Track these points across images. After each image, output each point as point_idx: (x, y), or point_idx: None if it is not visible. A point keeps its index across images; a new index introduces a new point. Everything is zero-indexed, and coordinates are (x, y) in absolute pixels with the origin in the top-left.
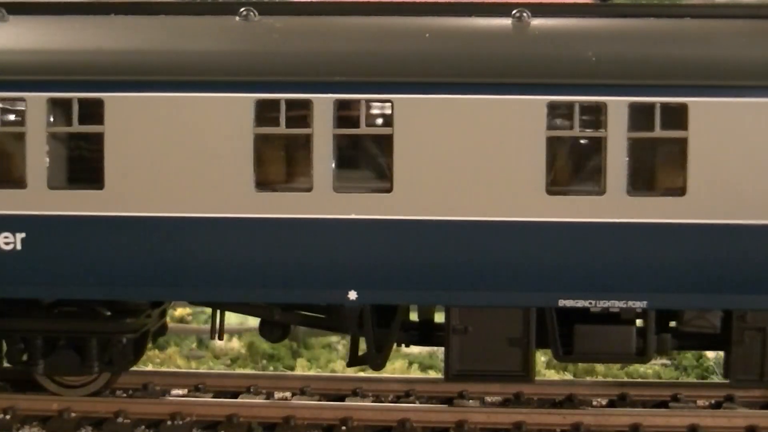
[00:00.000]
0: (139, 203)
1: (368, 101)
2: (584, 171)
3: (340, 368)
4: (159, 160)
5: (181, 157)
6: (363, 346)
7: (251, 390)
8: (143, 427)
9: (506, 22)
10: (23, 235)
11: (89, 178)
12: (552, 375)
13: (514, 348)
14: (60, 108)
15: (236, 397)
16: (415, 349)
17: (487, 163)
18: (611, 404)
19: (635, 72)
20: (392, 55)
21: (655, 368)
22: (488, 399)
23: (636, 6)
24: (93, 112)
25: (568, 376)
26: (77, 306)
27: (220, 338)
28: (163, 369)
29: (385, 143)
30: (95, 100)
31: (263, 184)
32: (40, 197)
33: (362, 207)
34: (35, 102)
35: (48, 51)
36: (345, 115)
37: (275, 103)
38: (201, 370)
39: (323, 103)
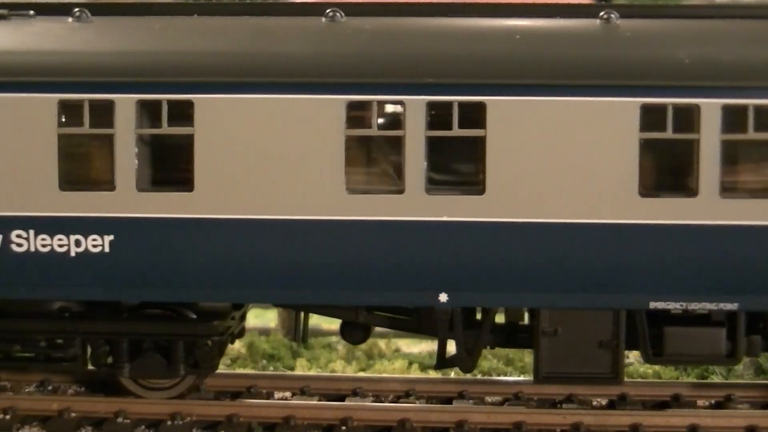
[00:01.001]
0: (228, 205)
1: (460, 103)
2: (677, 173)
3: (340, 368)
4: (249, 162)
5: (271, 159)
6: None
7: (251, 390)
8: (143, 427)
9: (594, 23)
10: (111, 237)
11: (178, 180)
12: None
13: (603, 350)
14: (149, 110)
15: (236, 397)
16: (415, 349)
17: (578, 166)
18: (611, 404)
19: (728, 74)
20: (484, 57)
21: (655, 368)
22: (488, 399)
23: (728, 7)
24: (183, 113)
25: None
26: (161, 308)
27: (304, 341)
28: None
29: (477, 145)
30: (185, 101)
31: (355, 186)
32: (129, 199)
33: (454, 209)
34: (124, 104)
35: (137, 53)
36: (437, 116)
37: (366, 104)
38: None
39: (415, 105)
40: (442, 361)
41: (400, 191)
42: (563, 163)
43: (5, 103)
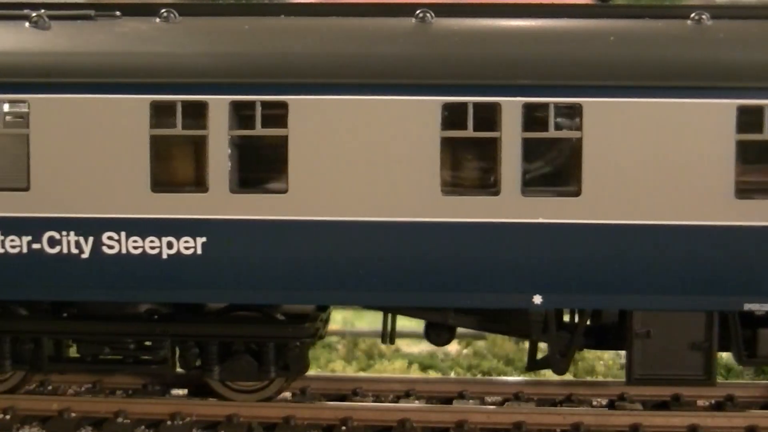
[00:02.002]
0: (322, 207)
1: (556, 105)
2: None
3: (340, 368)
4: (343, 164)
5: (365, 161)
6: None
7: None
8: (143, 427)
9: (685, 24)
10: (204, 239)
11: (272, 181)
12: (552, 375)
13: (696, 352)
14: (242, 111)
15: None
16: (415, 349)
17: (674, 167)
18: (611, 404)
19: None
20: (580, 59)
21: None
22: (488, 399)
23: None
24: (276, 115)
25: (568, 376)
26: (249, 310)
27: (392, 342)
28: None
29: (573, 147)
30: (279, 102)
31: (450, 187)
32: (222, 201)
33: (550, 211)
34: (217, 105)
35: (230, 54)
36: (532, 118)
37: (462, 106)
38: None
39: (511, 107)
40: (533, 363)
41: (496, 193)
42: (659, 165)
43: (97, 104)
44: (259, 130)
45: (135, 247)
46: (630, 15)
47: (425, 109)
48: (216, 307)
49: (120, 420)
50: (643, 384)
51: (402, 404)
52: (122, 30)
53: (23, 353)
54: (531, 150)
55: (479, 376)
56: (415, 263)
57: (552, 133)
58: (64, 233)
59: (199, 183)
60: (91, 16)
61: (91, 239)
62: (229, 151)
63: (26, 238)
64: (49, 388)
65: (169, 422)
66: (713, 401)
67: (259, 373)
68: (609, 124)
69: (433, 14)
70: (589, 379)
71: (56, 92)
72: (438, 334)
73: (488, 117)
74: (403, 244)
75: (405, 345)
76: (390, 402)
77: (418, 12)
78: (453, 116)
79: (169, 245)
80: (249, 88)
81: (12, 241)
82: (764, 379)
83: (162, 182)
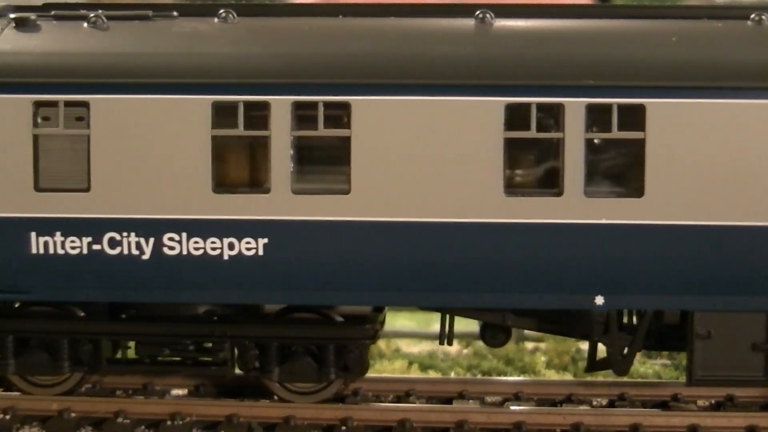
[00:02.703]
0: (384, 208)
1: (619, 106)
2: None
3: None
4: (406, 164)
5: (428, 162)
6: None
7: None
8: (143, 427)
9: (745, 24)
10: (265, 240)
11: (334, 182)
12: (552, 375)
13: (756, 353)
14: (304, 111)
15: (236, 398)
16: (415, 349)
17: (735, 168)
18: (611, 404)
19: None
20: (643, 60)
21: (655, 368)
22: (488, 399)
23: None
24: (338, 115)
25: (568, 376)
26: (305, 311)
27: (449, 343)
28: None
29: (636, 148)
30: (341, 103)
31: (512, 188)
32: (284, 202)
33: (612, 212)
34: (280, 105)
35: (292, 54)
36: (596, 119)
37: (525, 107)
38: None
39: (575, 108)
40: (593, 364)
41: (559, 194)
42: (722, 166)
43: (158, 104)
44: (321, 131)
45: (196, 248)
46: (689, 15)
47: (489, 110)
48: (271, 308)
49: (120, 420)
50: (703, 385)
51: (402, 404)
52: (182, 30)
53: (82, 355)
54: (594, 151)
55: (479, 376)
56: (476, 264)
57: (615, 134)
58: (124, 234)
59: (261, 184)
60: (148, 17)
61: (151, 240)
62: (291, 151)
63: (86, 239)
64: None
65: (169, 422)
66: (713, 401)
67: (319, 375)
68: (672, 125)
69: (492, 15)
70: (589, 379)
71: (117, 93)
72: (494, 335)
73: (551, 118)
74: (465, 245)
75: (405, 345)
76: (390, 402)
77: (477, 13)
78: (516, 117)
79: (231, 246)
80: (312, 89)
81: (72, 242)
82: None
83: (224, 183)
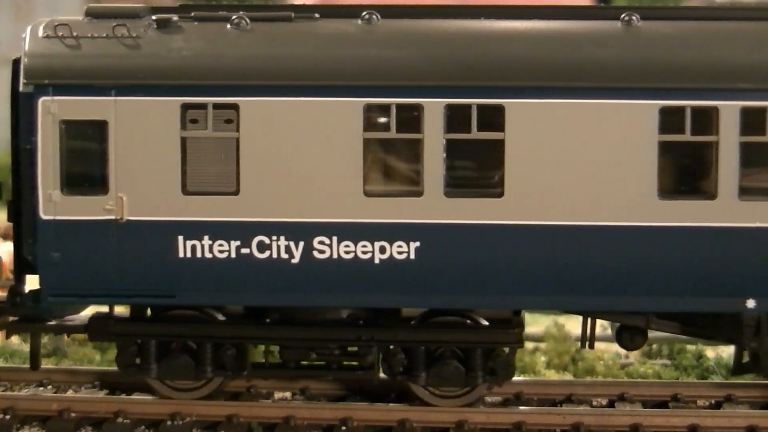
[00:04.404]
0: (537, 211)
1: None
2: None
3: None
4: (559, 167)
5: (582, 165)
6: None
7: (251, 390)
8: (143, 427)
9: None
10: (417, 243)
11: (486, 185)
12: (552, 375)
13: None
14: (457, 114)
15: (236, 397)
16: None
17: None
18: (611, 404)
19: None
20: None
21: (655, 368)
22: (488, 399)
23: None
24: (493, 118)
25: (568, 376)
26: (447, 315)
27: (591, 347)
28: None
29: None
30: (495, 106)
31: (666, 191)
32: (437, 205)
33: (766, 215)
34: (432, 108)
35: (445, 56)
36: (750, 122)
37: (679, 109)
38: None
39: (729, 111)
40: (739, 367)
41: (712, 197)
42: None
43: (308, 107)
44: (474, 134)
45: (347, 252)
46: None
47: (642, 113)
48: (408, 311)
49: (120, 420)
50: None
51: (402, 404)
52: (327, 32)
53: (225, 359)
54: (748, 154)
55: None
56: (626, 267)
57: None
58: (273, 238)
59: (413, 187)
60: (290, 18)
61: (301, 244)
62: (444, 154)
63: (235, 243)
64: (49, 387)
65: (169, 422)
66: (713, 401)
67: (466, 379)
68: None
69: (638, 17)
70: (589, 379)
71: (267, 95)
72: (632, 337)
73: (704, 121)
74: (617, 248)
75: None
76: (390, 402)
77: (623, 15)
78: (670, 121)
79: (382, 250)
80: (465, 92)
81: (220, 245)
82: (764, 379)
83: (375, 186)
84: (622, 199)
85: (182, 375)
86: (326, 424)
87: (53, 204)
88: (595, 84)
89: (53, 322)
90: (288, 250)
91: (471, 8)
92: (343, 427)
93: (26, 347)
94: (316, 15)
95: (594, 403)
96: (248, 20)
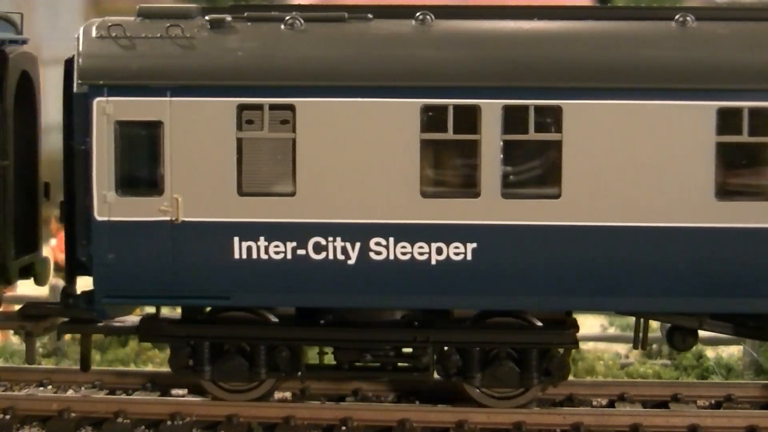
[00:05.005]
0: (595, 212)
1: None
2: None
3: None
4: (616, 168)
5: (639, 166)
6: None
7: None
8: (143, 427)
9: None
10: (474, 245)
11: (543, 186)
12: None
13: None
14: (514, 115)
15: None
16: None
17: None
18: (611, 404)
19: None
20: None
21: (655, 368)
22: None
23: None
24: (550, 119)
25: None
26: (506, 316)
27: (644, 348)
28: (164, 369)
29: None
30: (552, 107)
31: (725, 192)
32: (494, 206)
33: None
34: (490, 109)
35: (503, 58)
36: None
37: (737, 111)
38: None
39: None
40: None
41: None
42: None
43: (364, 107)
44: (532, 135)
45: (403, 253)
46: None
47: (699, 115)
48: (461, 312)
49: (120, 420)
50: None
51: (402, 404)
52: (381, 33)
53: (279, 361)
54: None
55: None
56: (683, 268)
57: None
58: (330, 239)
59: (470, 188)
60: (344, 18)
61: (358, 245)
62: (502, 155)
63: (291, 244)
64: (49, 387)
65: (169, 422)
66: (713, 401)
67: (521, 380)
68: None
69: (693, 18)
70: (589, 379)
71: (323, 96)
72: (683, 338)
73: (762, 122)
74: (674, 249)
75: None
76: (390, 402)
77: (677, 16)
78: (727, 121)
79: (439, 251)
80: (523, 93)
81: (276, 247)
82: (764, 379)
83: (432, 187)
84: (679, 200)
85: (236, 377)
86: (326, 424)
87: (108, 205)
88: (653, 85)
89: (102, 324)
90: (344, 251)
91: (523, 9)
92: (343, 427)
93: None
94: (369, 16)
95: (594, 403)
96: (302, 21)
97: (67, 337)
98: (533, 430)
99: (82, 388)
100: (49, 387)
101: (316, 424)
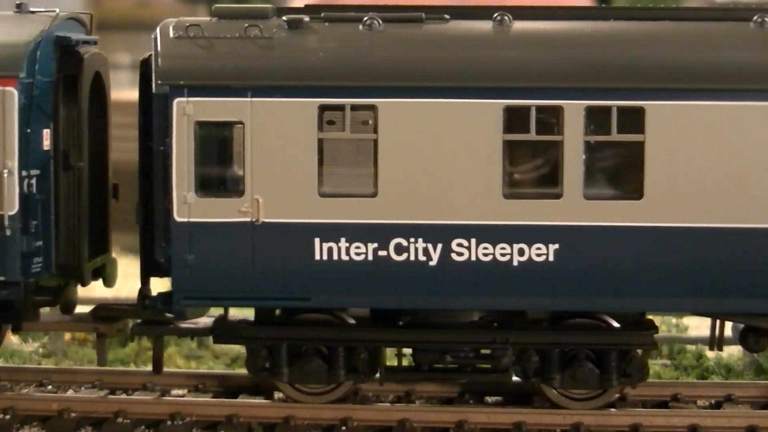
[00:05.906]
0: (677, 213)
1: None
2: None
3: None
4: (699, 169)
5: (725, 167)
6: None
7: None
8: (143, 427)
9: None
10: (556, 246)
11: (626, 187)
12: None
13: None
14: (597, 116)
15: (236, 397)
16: None
17: None
18: (611, 404)
19: None
20: None
21: (655, 368)
22: (488, 399)
23: None
24: (633, 120)
25: None
26: (584, 317)
27: (720, 349)
28: (164, 369)
29: None
30: (635, 108)
31: None
32: (576, 208)
33: None
34: (573, 110)
35: (586, 59)
36: None
37: None
38: (201, 370)
39: None
40: None
41: None
42: None
43: (447, 108)
44: (614, 136)
45: (485, 254)
46: None
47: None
48: (535, 314)
49: (120, 420)
50: None
51: (402, 404)
52: (460, 33)
53: (358, 363)
54: None
55: None
56: (763, 269)
57: None
58: (411, 240)
59: (552, 189)
60: (421, 19)
61: (439, 246)
62: (584, 156)
63: (372, 245)
64: (49, 387)
65: (169, 422)
66: (713, 401)
67: (600, 381)
68: None
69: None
70: None
71: (406, 96)
72: (757, 339)
73: None
74: (756, 250)
75: None
76: (390, 402)
77: (755, 17)
78: None
79: (521, 252)
80: (606, 94)
81: (357, 248)
82: (764, 379)
83: (514, 188)
84: (762, 201)
85: (315, 379)
86: (326, 424)
87: (187, 206)
88: (735, 86)
89: (174, 325)
90: (426, 252)
91: (599, 9)
92: (343, 427)
93: (26, 347)
94: (446, 16)
95: None
96: (380, 21)
97: (67, 337)
98: (533, 430)
99: (82, 388)
100: (49, 387)
101: (316, 424)
